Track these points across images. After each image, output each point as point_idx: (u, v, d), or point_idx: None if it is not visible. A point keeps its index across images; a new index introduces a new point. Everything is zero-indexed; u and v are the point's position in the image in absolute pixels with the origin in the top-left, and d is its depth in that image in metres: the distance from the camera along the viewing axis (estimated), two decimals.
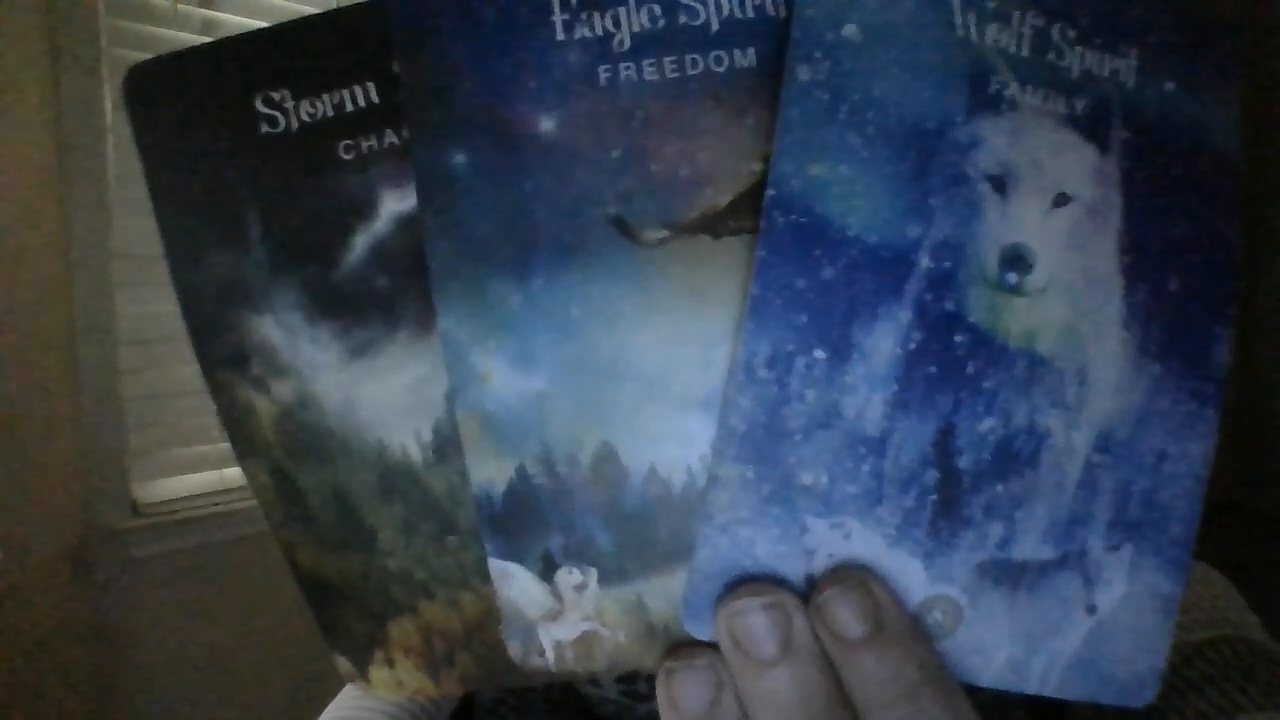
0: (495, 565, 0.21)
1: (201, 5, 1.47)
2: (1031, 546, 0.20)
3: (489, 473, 0.20)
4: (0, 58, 1.24)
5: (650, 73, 0.19)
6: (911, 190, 0.19)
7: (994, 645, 0.20)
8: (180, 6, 1.44)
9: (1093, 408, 0.19)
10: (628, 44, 0.19)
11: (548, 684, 0.67)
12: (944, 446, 0.19)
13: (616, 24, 0.19)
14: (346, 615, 0.25)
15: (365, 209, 0.21)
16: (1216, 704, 0.65)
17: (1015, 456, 0.19)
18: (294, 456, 0.23)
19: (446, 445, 0.21)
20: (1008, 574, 0.20)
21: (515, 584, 0.20)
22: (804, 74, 0.18)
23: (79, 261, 1.33)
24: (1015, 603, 0.20)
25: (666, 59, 0.19)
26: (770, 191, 0.18)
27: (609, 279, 0.19)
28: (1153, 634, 0.20)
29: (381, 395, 0.21)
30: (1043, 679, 0.20)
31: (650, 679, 0.60)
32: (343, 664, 0.25)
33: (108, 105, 1.35)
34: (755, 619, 0.18)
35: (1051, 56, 0.19)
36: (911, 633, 0.18)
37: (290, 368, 0.22)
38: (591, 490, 0.20)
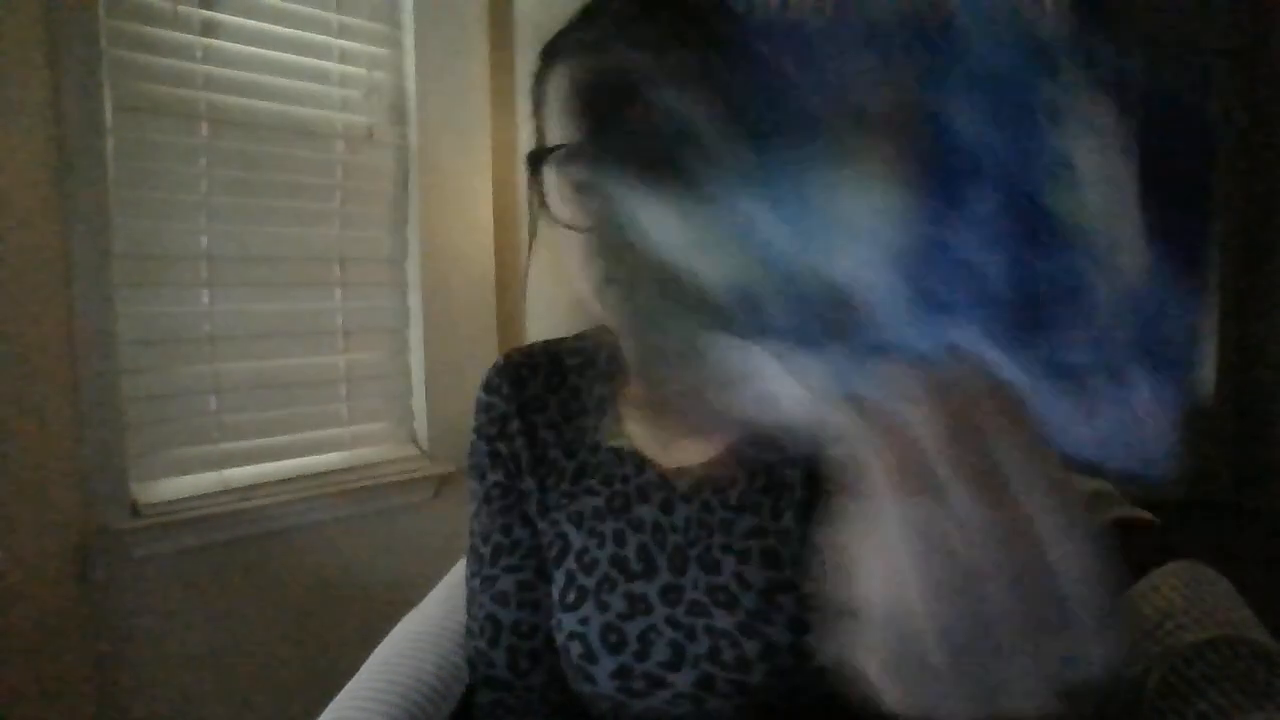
0: (742, 346, 0.30)
1: (201, 5, 1.48)
2: (1079, 351, 0.29)
3: (723, 277, 0.30)
4: (0, 58, 1.24)
5: (850, 34, 0.30)
6: (1002, 114, 0.29)
7: (1049, 421, 0.29)
8: (180, 7, 1.44)
9: (1117, 268, 0.29)
10: (831, 10, 0.30)
11: (546, 684, 0.67)
12: (1019, 277, 0.29)
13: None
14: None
15: (682, 119, 0.31)
16: (1216, 704, 0.65)
17: (1066, 288, 0.29)
18: (609, 252, 0.34)
19: (711, 259, 0.30)
20: (1063, 371, 0.29)
21: (756, 361, 0.30)
22: (941, 43, 0.29)
23: (79, 262, 1.33)
24: (1064, 390, 0.29)
25: (859, 27, 0.30)
26: (920, 114, 0.29)
27: (816, 160, 0.29)
28: (1164, 426, 0.29)
29: (659, 218, 0.30)
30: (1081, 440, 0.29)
31: (643, 677, 0.60)
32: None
33: (108, 105, 1.35)
34: (896, 380, 0.28)
35: (1090, 46, 0.29)
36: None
37: (617, 198, 0.31)
38: (798, 297, 0.30)
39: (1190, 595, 0.75)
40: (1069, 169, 0.29)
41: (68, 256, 1.32)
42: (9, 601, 1.24)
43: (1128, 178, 0.29)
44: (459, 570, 0.90)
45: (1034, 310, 0.29)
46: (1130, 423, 0.29)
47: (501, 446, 0.70)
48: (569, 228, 0.57)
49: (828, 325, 0.29)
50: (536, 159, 0.58)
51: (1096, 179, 0.29)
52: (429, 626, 0.79)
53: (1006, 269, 0.29)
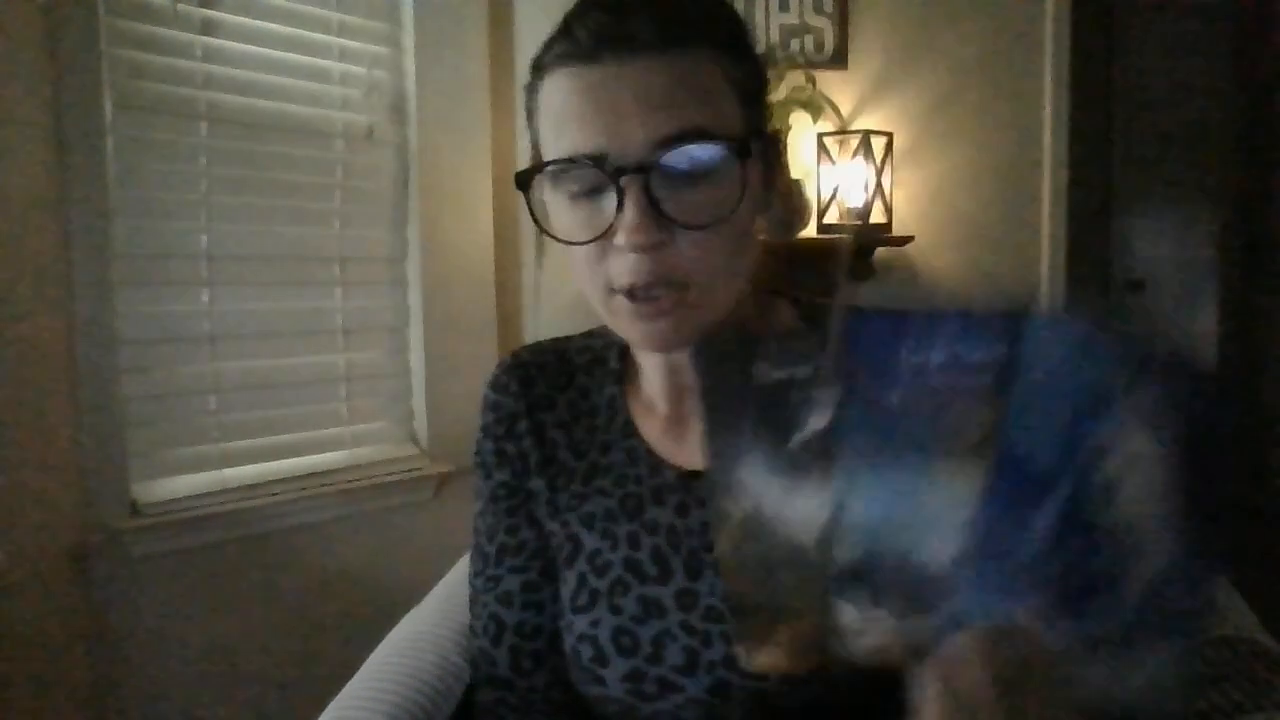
0: (837, 604, 0.41)
1: (202, 5, 1.47)
2: (1111, 629, 0.38)
3: (843, 556, 0.41)
4: (0, 58, 1.24)
5: (947, 381, 0.40)
6: (1062, 448, 0.38)
7: (1083, 680, 0.38)
8: (180, 6, 1.44)
9: (1147, 562, 0.37)
10: (935, 367, 0.40)
11: (548, 684, 0.67)
12: (1068, 573, 0.38)
13: (931, 359, 0.41)
14: (752, 622, 0.44)
15: (802, 423, 0.42)
16: (1216, 704, 0.65)
17: (1104, 581, 0.38)
18: (747, 537, 0.43)
19: (824, 541, 0.41)
20: (1098, 643, 0.38)
21: (847, 614, 0.41)
22: (1016, 390, 0.39)
23: (79, 262, 1.33)
24: (1098, 656, 0.38)
25: (954, 374, 0.40)
26: (996, 445, 0.39)
27: (915, 475, 0.40)
28: (1178, 687, 0.38)
29: (795, 513, 0.42)
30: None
31: (655, 680, 0.60)
32: (739, 650, 0.45)
33: (108, 105, 1.35)
34: (964, 644, 0.39)
35: (1135, 390, 0.38)
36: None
37: (753, 493, 0.43)
38: (893, 572, 0.40)
39: None
40: (1114, 490, 0.37)
41: (68, 256, 1.32)
42: (9, 601, 1.24)
43: (1161, 493, 0.37)
44: (459, 570, 0.90)
45: (1077, 593, 0.38)
46: (1151, 683, 0.37)
47: (509, 446, 0.69)
48: (567, 243, 0.56)
49: (914, 600, 0.39)
50: (524, 178, 0.58)
51: (1136, 497, 0.37)
52: (429, 626, 0.79)
53: (1059, 564, 0.38)
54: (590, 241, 0.55)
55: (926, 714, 0.37)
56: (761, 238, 0.62)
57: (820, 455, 0.41)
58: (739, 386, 0.44)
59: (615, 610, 0.62)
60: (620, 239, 0.53)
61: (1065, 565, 0.38)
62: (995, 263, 2.24)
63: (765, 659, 0.43)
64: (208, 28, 1.49)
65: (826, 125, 2.04)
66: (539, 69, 0.58)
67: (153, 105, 1.42)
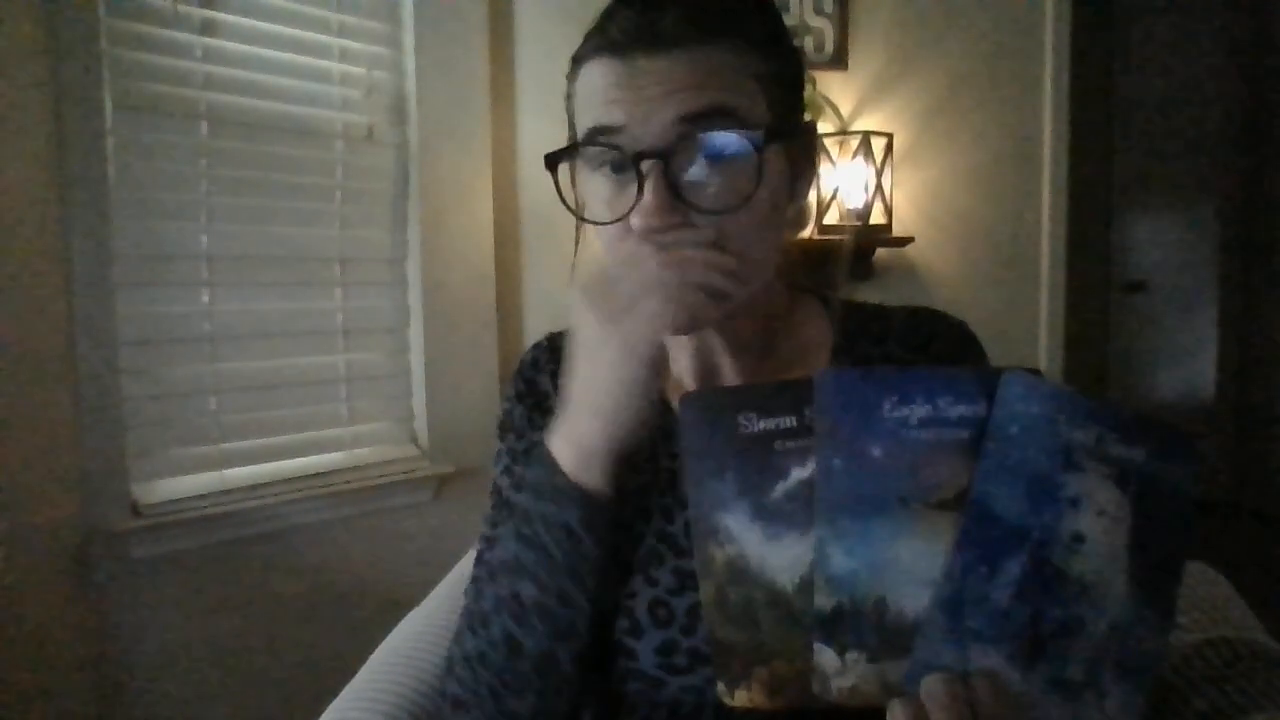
0: (817, 646, 0.43)
1: (202, 5, 1.48)
2: (1073, 672, 0.41)
3: (823, 601, 0.43)
4: (0, 58, 1.24)
5: (926, 435, 0.43)
6: (1034, 501, 0.42)
7: (1046, 715, 0.42)
8: (180, 6, 1.44)
9: (1108, 610, 0.41)
10: (915, 421, 0.43)
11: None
12: (1035, 620, 0.41)
13: (911, 414, 0.43)
14: (733, 661, 0.46)
15: (784, 473, 0.45)
16: (1216, 704, 0.65)
17: (1068, 628, 0.41)
18: (730, 581, 0.46)
19: (805, 586, 0.44)
20: (1059, 686, 0.41)
21: (826, 656, 0.43)
22: (992, 445, 0.42)
23: (79, 261, 1.33)
24: (1060, 700, 0.42)
25: (933, 429, 0.43)
26: (972, 498, 0.42)
27: (894, 525, 0.43)
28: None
29: (777, 559, 0.44)
30: None
31: (687, 652, 0.59)
32: (720, 686, 0.47)
33: (108, 105, 1.35)
34: (935, 686, 0.41)
35: (1104, 446, 0.42)
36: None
37: (737, 540, 0.46)
38: (871, 618, 0.43)
39: (1191, 595, 0.75)
40: (1081, 541, 0.41)
41: (68, 256, 1.32)
42: (9, 601, 1.24)
43: (1124, 545, 0.41)
44: (459, 570, 0.90)
45: (1043, 639, 0.41)
46: None
47: (538, 417, 0.69)
48: (591, 222, 0.58)
49: (890, 644, 0.42)
50: (554, 159, 0.59)
51: (1101, 549, 0.41)
52: (429, 626, 0.79)
53: (1025, 613, 0.41)
54: (614, 222, 0.56)
55: None
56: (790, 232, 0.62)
57: (802, 504, 0.43)
58: (724, 435, 0.45)
59: (651, 582, 0.62)
60: (637, 222, 0.54)
61: (1033, 612, 0.41)
62: (995, 263, 2.24)
63: (744, 696, 0.45)
64: (208, 28, 1.49)
65: (826, 126, 2.05)
66: (576, 60, 0.60)
67: (153, 105, 1.42)
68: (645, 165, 0.54)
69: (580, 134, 0.58)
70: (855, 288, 2.11)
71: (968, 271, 2.21)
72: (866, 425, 0.43)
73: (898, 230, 2.07)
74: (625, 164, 0.55)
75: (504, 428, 0.72)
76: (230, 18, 1.51)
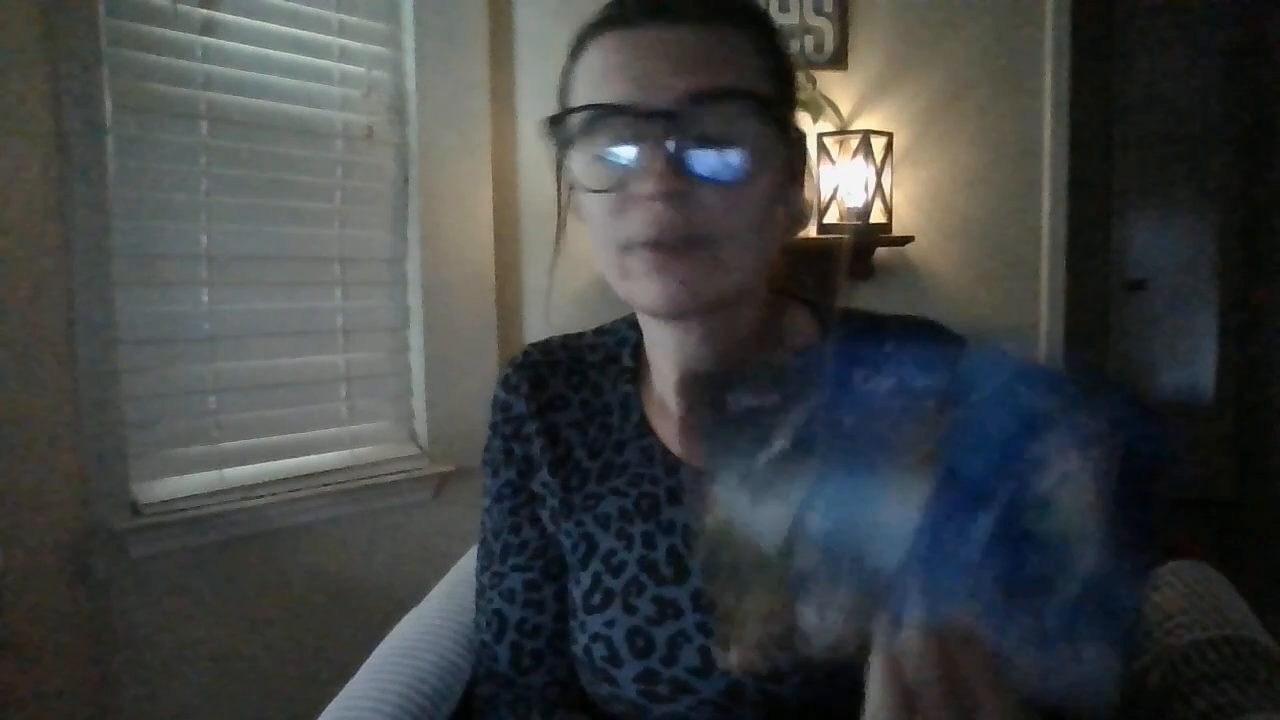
0: (799, 605, 0.45)
1: (202, 5, 1.48)
2: (1047, 628, 0.42)
3: (803, 561, 0.45)
4: (0, 58, 1.24)
5: (895, 404, 0.45)
6: (999, 464, 0.43)
7: (1022, 671, 0.42)
8: (180, 6, 1.44)
9: (1078, 570, 0.42)
10: (884, 392, 0.46)
11: (546, 683, 0.67)
12: (1005, 577, 0.42)
13: (881, 385, 0.46)
14: (726, 622, 0.48)
15: (767, 443, 0.47)
16: (1216, 704, 0.65)
17: (1039, 585, 0.42)
18: (720, 545, 0.48)
19: (787, 548, 0.45)
20: (1033, 640, 0.42)
21: (808, 613, 0.45)
22: (957, 412, 0.44)
23: (79, 261, 1.33)
24: (1035, 651, 0.42)
25: (901, 398, 0.45)
26: (940, 460, 0.43)
27: (868, 488, 0.44)
28: (1108, 680, 0.42)
29: (761, 523, 0.46)
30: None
31: (669, 681, 0.59)
32: (715, 648, 0.48)
33: (108, 105, 1.35)
34: (911, 639, 0.41)
35: (1065, 414, 0.43)
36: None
37: (725, 505, 0.48)
38: (849, 576, 0.44)
39: (1191, 595, 0.75)
40: (1047, 503, 0.42)
41: (68, 256, 1.32)
42: (9, 601, 1.24)
43: (1090, 507, 0.42)
44: (459, 569, 0.90)
45: (1015, 595, 0.42)
46: (1083, 678, 0.42)
47: (516, 447, 0.69)
48: (592, 190, 0.57)
49: (868, 598, 0.44)
50: (553, 123, 0.59)
51: (1067, 511, 0.42)
52: (429, 626, 0.79)
53: (997, 568, 0.42)
54: (613, 189, 0.55)
55: (874, 702, 0.41)
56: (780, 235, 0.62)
57: (784, 471, 0.47)
58: (714, 410, 0.49)
59: (630, 610, 0.61)
60: (643, 186, 0.54)
61: (1003, 569, 0.43)
62: (995, 263, 2.24)
63: (738, 655, 0.47)
64: (208, 28, 1.49)
65: (826, 125, 2.05)
66: (582, 37, 0.59)
67: (153, 105, 1.42)
68: (650, 127, 0.53)
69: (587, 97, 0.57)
70: (855, 287, 2.11)
71: (968, 271, 2.21)
72: (840, 397, 0.46)
73: (898, 230, 2.07)
74: (628, 133, 0.55)
75: (484, 460, 0.72)
76: (230, 17, 1.51)
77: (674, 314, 0.59)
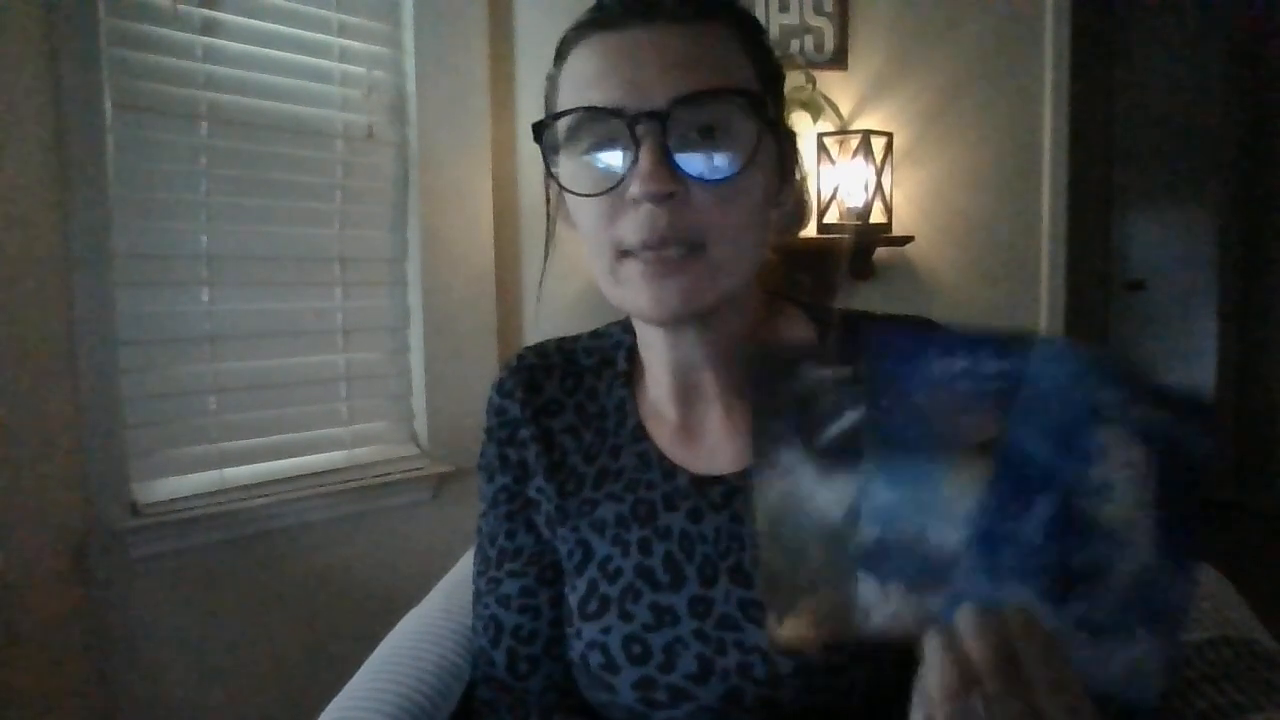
0: (860, 575, 0.45)
1: (202, 5, 1.47)
2: (1101, 614, 0.43)
3: (866, 532, 0.45)
4: (0, 58, 1.24)
5: (965, 386, 0.46)
6: (1062, 448, 0.44)
7: (1076, 661, 0.42)
8: (180, 6, 1.44)
9: (1134, 559, 0.43)
10: (956, 373, 0.46)
11: (543, 688, 0.67)
12: (1064, 560, 0.43)
13: (953, 366, 0.46)
14: (782, 592, 0.48)
15: (838, 415, 0.47)
16: (1216, 704, 0.65)
17: (1096, 570, 0.43)
18: (784, 512, 0.48)
19: (851, 520, 0.46)
20: (1087, 626, 0.43)
21: (868, 585, 0.45)
22: (1024, 396, 0.44)
23: (79, 261, 1.33)
24: (1088, 640, 0.43)
25: (971, 381, 0.46)
26: (1005, 441, 0.44)
27: (934, 465, 0.45)
28: (1158, 672, 0.43)
29: (827, 493, 0.47)
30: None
31: (666, 689, 0.59)
32: (770, 618, 0.47)
33: (108, 105, 1.35)
34: (970, 616, 0.41)
35: (1130, 406, 0.44)
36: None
37: (792, 474, 0.48)
38: (911, 550, 0.45)
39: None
40: (1108, 489, 0.43)
41: (68, 256, 1.32)
42: (9, 601, 1.24)
43: (1147, 495, 0.43)
44: (459, 570, 0.90)
45: (1071, 581, 0.43)
46: (1133, 668, 0.43)
47: (510, 452, 0.69)
48: (582, 195, 0.56)
49: (928, 575, 0.44)
50: (541, 127, 0.58)
51: (1126, 497, 0.43)
52: (429, 626, 0.79)
53: (1055, 552, 0.43)
54: (604, 193, 0.55)
55: (931, 679, 0.40)
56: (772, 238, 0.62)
57: (850, 447, 0.47)
58: (784, 385, 0.49)
59: (626, 617, 0.61)
60: (635, 188, 0.53)
61: (1060, 553, 0.43)
62: (995, 263, 2.24)
63: (791, 629, 0.47)
64: (208, 28, 1.49)
65: (826, 125, 2.04)
66: (566, 41, 0.59)
67: (153, 105, 1.42)
68: (640, 129, 0.53)
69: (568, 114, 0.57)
70: (855, 287, 2.11)
71: (968, 271, 2.21)
72: (912, 376, 0.46)
73: (898, 229, 2.07)
74: (617, 137, 0.54)
75: (480, 465, 0.72)
76: (230, 17, 1.51)
77: (669, 321, 0.58)
